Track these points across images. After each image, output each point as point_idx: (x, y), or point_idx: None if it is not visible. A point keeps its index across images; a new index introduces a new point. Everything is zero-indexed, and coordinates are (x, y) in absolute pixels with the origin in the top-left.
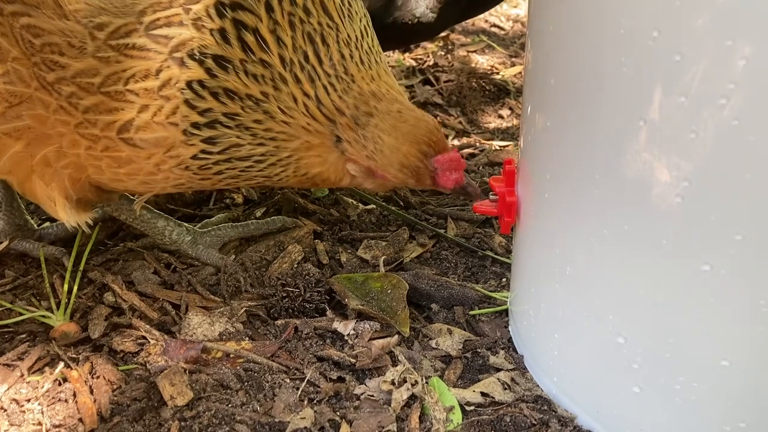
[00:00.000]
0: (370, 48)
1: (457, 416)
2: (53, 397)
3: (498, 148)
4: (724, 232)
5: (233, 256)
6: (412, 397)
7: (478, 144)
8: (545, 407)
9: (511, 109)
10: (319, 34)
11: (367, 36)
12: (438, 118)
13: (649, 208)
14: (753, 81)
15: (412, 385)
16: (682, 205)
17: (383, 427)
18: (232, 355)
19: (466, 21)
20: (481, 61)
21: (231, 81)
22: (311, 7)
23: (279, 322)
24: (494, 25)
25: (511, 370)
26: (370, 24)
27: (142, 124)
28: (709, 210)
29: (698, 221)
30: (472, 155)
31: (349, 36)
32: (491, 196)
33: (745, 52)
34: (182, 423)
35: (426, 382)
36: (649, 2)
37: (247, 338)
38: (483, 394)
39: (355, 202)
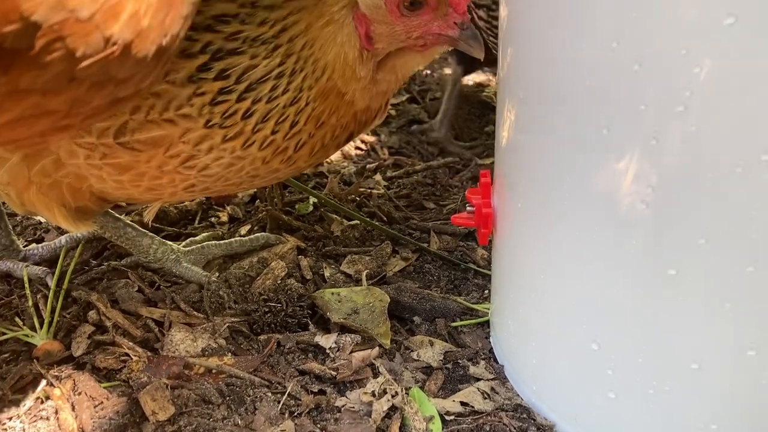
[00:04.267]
0: None
1: (437, 426)
2: (35, 415)
3: (483, 163)
4: (687, 237)
5: (217, 274)
6: (393, 408)
7: (463, 160)
8: (524, 415)
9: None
10: None
11: None
12: (424, 135)
13: (616, 214)
14: (708, 88)
15: (393, 396)
16: (647, 211)
17: None
18: (214, 371)
19: None
20: (467, 79)
21: (219, 6)
22: None
23: (261, 337)
24: None
25: (491, 379)
26: None
27: (136, 125)
28: (673, 215)
29: (663, 227)
30: (458, 171)
31: None
32: (468, 208)
33: (699, 61)
34: None
35: (406, 393)
36: (607, 15)
37: (230, 354)
38: (463, 403)
39: (339, 218)
